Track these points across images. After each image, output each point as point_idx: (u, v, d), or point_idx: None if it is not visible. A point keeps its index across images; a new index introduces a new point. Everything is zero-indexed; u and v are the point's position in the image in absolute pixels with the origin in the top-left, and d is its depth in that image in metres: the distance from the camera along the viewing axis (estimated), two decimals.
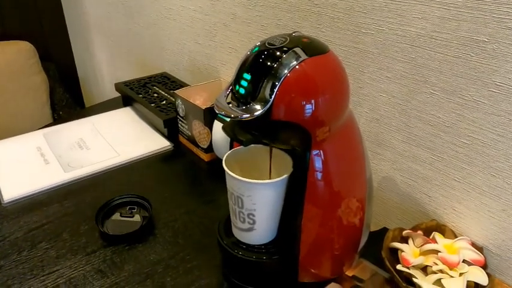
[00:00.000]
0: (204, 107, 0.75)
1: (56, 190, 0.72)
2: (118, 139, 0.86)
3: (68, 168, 0.76)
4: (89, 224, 0.64)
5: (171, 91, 0.96)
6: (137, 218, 0.65)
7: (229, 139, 0.67)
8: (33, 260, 0.58)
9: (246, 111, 0.41)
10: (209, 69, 1.00)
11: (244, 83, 0.42)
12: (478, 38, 0.48)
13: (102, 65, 1.60)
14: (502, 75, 0.47)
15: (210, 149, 0.78)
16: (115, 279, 0.55)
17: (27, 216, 0.66)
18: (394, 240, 0.55)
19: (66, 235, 0.62)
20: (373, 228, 0.59)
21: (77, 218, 0.65)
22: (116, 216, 0.65)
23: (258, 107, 0.41)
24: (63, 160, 0.79)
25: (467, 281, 0.48)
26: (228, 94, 0.45)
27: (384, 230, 0.59)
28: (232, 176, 0.46)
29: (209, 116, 0.75)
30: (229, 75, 0.93)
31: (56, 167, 0.77)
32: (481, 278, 0.49)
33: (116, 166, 0.78)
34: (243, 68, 0.43)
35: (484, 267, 0.50)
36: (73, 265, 0.57)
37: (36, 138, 0.86)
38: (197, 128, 0.79)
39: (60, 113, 1.53)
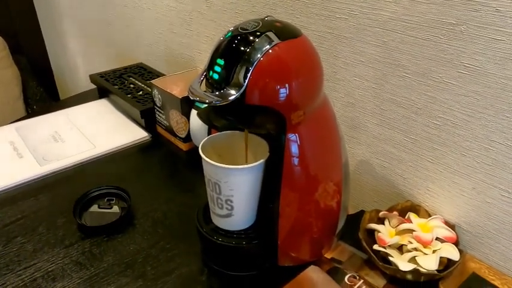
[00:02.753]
0: (180, 96, 0.74)
1: (30, 184, 0.70)
2: (94, 131, 0.85)
3: (43, 162, 0.75)
4: (66, 217, 0.63)
5: (148, 81, 0.95)
6: (116, 209, 0.64)
7: (207, 127, 0.67)
8: (9, 255, 0.56)
9: (220, 96, 0.41)
10: (186, 58, 0.98)
11: (217, 69, 0.42)
12: (446, 21, 0.49)
13: (76, 57, 1.56)
14: (469, 57, 0.48)
15: (188, 138, 0.78)
16: (94, 271, 0.54)
17: (1, 211, 0.64)
18: (370, 221, 0.57)
19: (43, 229, 0.61)
20: (350, 211, 0.60)
21: (54, 211, 0.64)
22: (94, 208, 0.64)
23: (232, 92, 0.41)
24: (38, 154, 0.77)
25: (440, 258, 0.50)
26: (202, 80, 0.45)
27: (361, 213, 0.60)
28: (208, 162, 0.46)
29: (186, 105, 0.75)
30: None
31: (30, 161, 0.75)
32: (453, 254, 0.50)
33: (93, 158, 0.77)
34: (216, 53, 0.43)
35: (456, 243, 0.52)
36: (50, 258, 0.56)
37: (9, 132, 0.84)
38: (174, 117, 0.78)
39: (34, 107, 1.49)
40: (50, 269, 0.54)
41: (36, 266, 0.55)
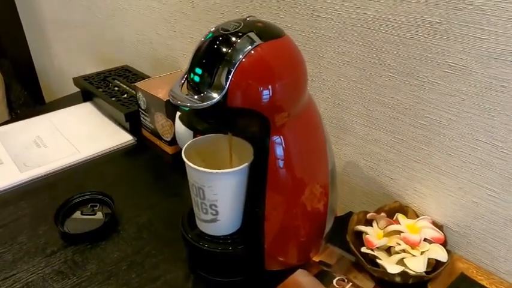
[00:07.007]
0: (165, 99, 0.73)
1: (10, 191, 0.68)
2: (78, 135, 0.83)
3: (24, 168, 0.73)
4: (48, 224, 0.61)
5: (132, 84, 0.93)
6: (99, 215, 0.63)
7: None
8: None
9: (201, 99, 0.40)
10: (170, 60, 0.97)
11: (198, 71, 0.41)
12: (431, 20, 0.48)
13: (60, 60, 1.54)
14: (454, 56, 0.48)
15: (173, 141, 0.76)
16: (77, 280, 0.53)
17: None
18: (358, 223, 0.56)
19: (23, 237, 0.59)
20: (338, 213, 0.60)
21: (35, 219, 0.62)
22: (77, 214, 0.63)
23: (213, 94, 0.40)
24: (19, 160, 0.75)
25: (429, 259, 0.49)
26: (183, 83, 0.43)
27: (350, 214, 0.59)
28: (191, 167, 0.45)
29: (171, 107, 0.73)
30: None
31: (10, 167, 0.73)
32: (441, 255, 0.50)
33: (76, 163, 0.75)
34: (197, 55, 0.42)
35: (444, 244, 0.52)
36: (31, 268, 0.54)
37: None
38: (160, 120, 0.77)
39: (18, 111, 1.46)
40: (30, 280, 0.53)
41: (16, 276, 0.53)
